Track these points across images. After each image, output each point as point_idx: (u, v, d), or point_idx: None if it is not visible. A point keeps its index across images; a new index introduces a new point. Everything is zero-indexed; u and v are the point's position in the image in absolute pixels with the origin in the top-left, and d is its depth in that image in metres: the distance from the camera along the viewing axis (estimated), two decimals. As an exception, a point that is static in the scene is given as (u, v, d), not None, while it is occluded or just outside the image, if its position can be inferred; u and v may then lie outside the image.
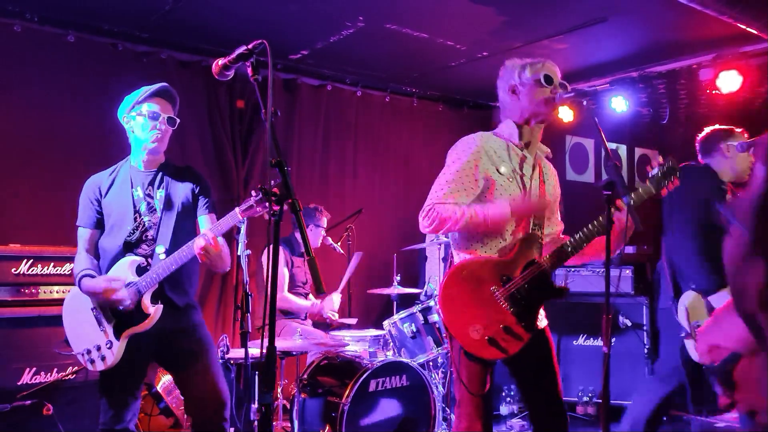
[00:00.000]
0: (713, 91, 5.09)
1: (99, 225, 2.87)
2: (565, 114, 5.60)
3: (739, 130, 3.56)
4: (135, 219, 2.80)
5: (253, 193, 2.43)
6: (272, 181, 1.72)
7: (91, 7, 4.25)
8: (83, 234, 2.87)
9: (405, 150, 6.25)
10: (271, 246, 1.75)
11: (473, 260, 2.46)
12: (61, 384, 3.59)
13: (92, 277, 2.76)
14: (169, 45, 4.86)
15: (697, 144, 3.67)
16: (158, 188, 2.87)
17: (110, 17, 4.42)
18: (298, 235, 4.76)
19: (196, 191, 2.91)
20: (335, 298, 4.75)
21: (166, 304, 2.77)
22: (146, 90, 2.83)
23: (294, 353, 3.99)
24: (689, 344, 3.29)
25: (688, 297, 3.31)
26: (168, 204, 2.84)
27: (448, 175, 2.47)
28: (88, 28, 4.52)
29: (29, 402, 3.45)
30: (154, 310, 2.72)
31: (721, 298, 3.16)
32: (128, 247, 2.79)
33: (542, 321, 2.56)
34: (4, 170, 4.24)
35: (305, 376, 3.84)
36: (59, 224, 3.73)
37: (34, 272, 3.70)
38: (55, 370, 3.61)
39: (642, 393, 3.70)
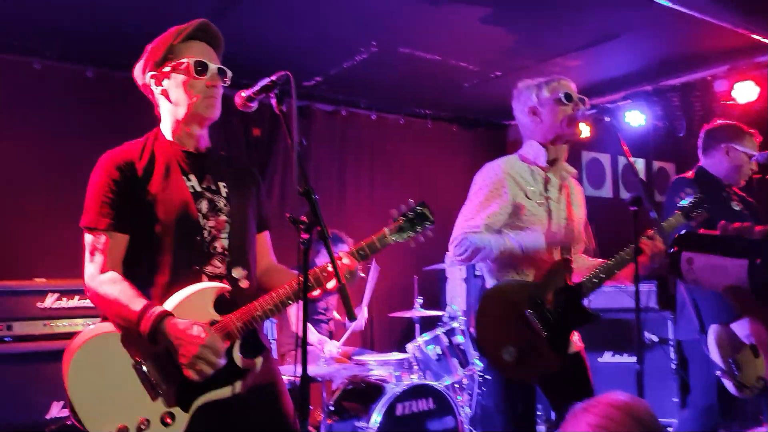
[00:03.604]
0: (729, 102, 5.07)
1: (130, 225, 1.93)
2: (582, 129, 5.59)
3: (751, 131, 3.27)
4: (199, 222, 1.93)
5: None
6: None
7: (108, 43, 4.33)
8: (109, 241, 1.92)
9: (421, 172, 6.25)
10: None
11: (508, 283, 2.47)
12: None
13: (171, 315, 1.81)
14: (185, 76, 4.92)
15: (699, 138, 3.36)
16: (218, 179, 2.03)
17: (128, 52, 4.48)
18: (317, 261, 4.76)
19: (259, 196, 2.17)
20: (336, 345, 4.48)
21: (255, 345, 1.98)
22: (181, 30, 1.98)
23: (319, 379, 3.97)
24: (727, 383, 3.01)
25: (715, 332, 3.01)
26: (236, 204, 2.03)
27: (476, 201, 2.48)
28: (106, 63, 4.60)
29: (57, 436, 3.46)
30: (254, 365, 1.92)
31: (743, 325, 2.95)
32: (193, 265, 1.91)
33: (576, 345, 2.55)
34: (28, 205, 4.30)
35: (331, 402, 3.82)
36: (83, 257, 3.76)
37: (59, 306, 3.73)
38: (83, 403, 3.61)
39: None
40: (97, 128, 4.55)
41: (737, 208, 3.16)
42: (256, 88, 1.86)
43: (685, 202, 2.48)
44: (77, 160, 4.53)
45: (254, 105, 1.92)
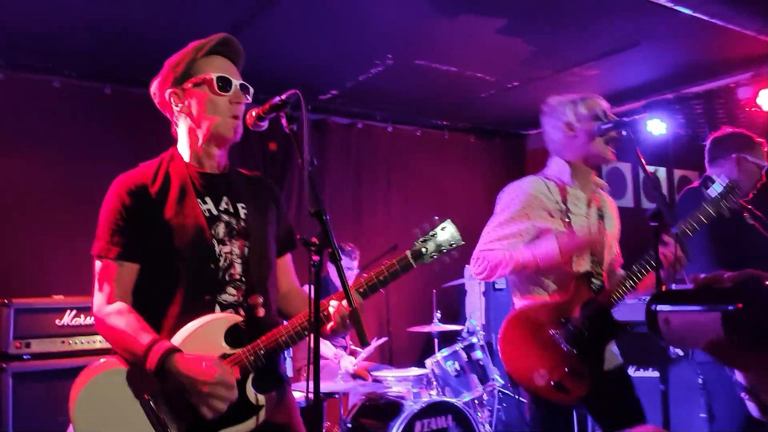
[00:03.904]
0: (753, 109, 4.97)
1: (141, 253, 1.83)
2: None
3: (760, 140, 3.12)
4: (214, 249, 1.83)
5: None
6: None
7: (127, 60, 4.36)
8: (119, 271, 1.82)
9: (438, 183, 6.21)
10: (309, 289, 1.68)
11: (530, 305, 2.44)
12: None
13: (179, 351, 1.71)
14: (202, 92, 4.95)
15: (706, 148, 3.22)
16: (237, 200, 1.94)
17: (146, 68, 4.52)
18: (332, 275, 4.72)
19: (280, 216, 2.06)
20: (352, 361, 4.46)
21: (270, 378, 1.88)
22: (203, 44, 1.90)
23: (336, 395, 3.92)
24: (750, 405, 2.98)
25: None
26: (256, 226, 1.93)
27: (497, 222, 2.48)
28: (124, 80, 4.64)
29: (75, 455, 3.45)
30: (266, 401, 1.80)
31: None
32: (205, 295, 1.81)
33: (614, 360, 2.49)
34: (46, 222, 4.33)
35: (349, 419, 3.77)
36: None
37: (77, 323, 3.73)
38: (100, 421, 3.60)
39: None
40: (115, 145, 4.59)
41: (750, 222, 3.05)
42: (266, 107, 1.81)
43: (718, 188, 2.31)
44: (95, 176, 4.55)
45: (264, 124, 1.87)
